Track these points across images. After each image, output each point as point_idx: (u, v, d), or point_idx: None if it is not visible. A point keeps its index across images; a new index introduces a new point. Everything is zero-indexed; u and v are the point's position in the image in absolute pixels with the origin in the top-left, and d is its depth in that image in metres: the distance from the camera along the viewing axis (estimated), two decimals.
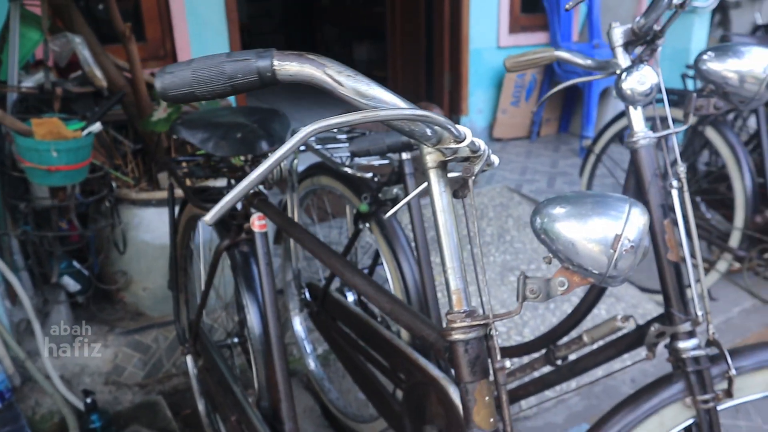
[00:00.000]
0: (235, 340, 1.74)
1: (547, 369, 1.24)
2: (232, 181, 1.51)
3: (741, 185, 2.38)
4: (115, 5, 1.92)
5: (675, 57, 3.69)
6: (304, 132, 0.50)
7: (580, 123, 4.08)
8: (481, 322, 0.70)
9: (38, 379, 1.67)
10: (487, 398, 0.70)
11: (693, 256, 0.97)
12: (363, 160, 1.73)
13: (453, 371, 0.71)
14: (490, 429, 0.69)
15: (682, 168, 1.00)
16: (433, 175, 0.70)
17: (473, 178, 0.70)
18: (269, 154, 1.16)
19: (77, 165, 1.68)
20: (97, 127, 1.68)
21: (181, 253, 1.89)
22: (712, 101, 1.03)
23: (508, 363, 0.70)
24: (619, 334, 1.08)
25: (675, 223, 0.99)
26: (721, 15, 4.85)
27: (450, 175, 0.71)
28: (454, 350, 0.70)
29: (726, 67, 1.03)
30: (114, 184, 1.94)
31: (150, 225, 2.03)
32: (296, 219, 1.84)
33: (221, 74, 0.52)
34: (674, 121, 1.10)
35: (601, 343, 1.13)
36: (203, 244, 1.78)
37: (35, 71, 1.88)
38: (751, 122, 3.09)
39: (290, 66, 0.54)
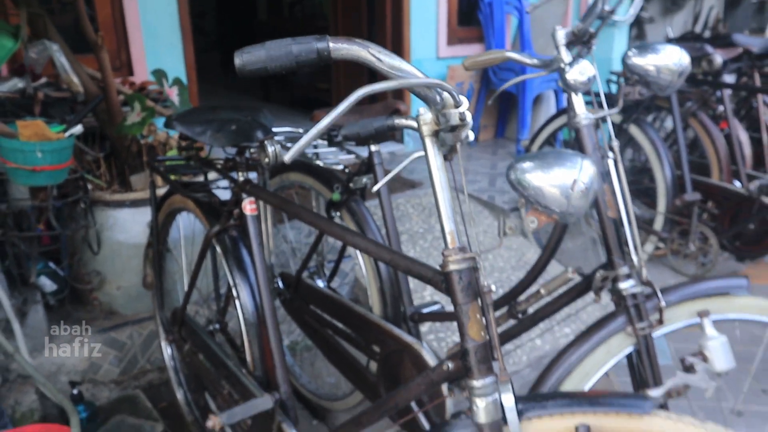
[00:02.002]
0: (216, 326, 1.85)
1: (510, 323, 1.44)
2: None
3: (662, 176, 2.68)
4: (85, 16, 2.02)
5: (600, 65, 3.99)
6: (359, 92, 0.67)
7: (516, 128, 4.37)
8: (470, 256, 0.88)
9: (29, 370, 1.74)
10: (477, 316, 0.87)
11: (628, 214, 1.19)
12: (330, 156, 1.90)
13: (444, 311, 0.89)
14: (480, 340, 0.87)
15: (615, 143, 1.22)
16: (428, 141, 0.88)
17: (460, 143, 0.88)
18: (266, 141, 1.31)
19: (60, 165, 1.77)
20: (78, 129, 1.78)
21: (156, 253, 1.99)
22: (637, 89, 1.25)
23: (493, 287, 0.88)
24: (570, 284, 1.29)
25: (612, 187, 1.20)
26: (637, 29, 5.30)
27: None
28: (449, 280, 0.88)
29: (647, 62, 1.26)
30: (89, 186, 2.02)
31: (124, 225, 2.12)
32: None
33: (289, 53, 0.68)
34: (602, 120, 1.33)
35: (555, 294, 1.33)
36: (183, 237, 1.90)
37: (7, 78, 1.95)
38: (668, 123, 3.44)
39: (342, 47, 0.71)
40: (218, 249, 1.55)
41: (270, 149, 1.29)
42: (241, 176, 1.43)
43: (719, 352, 1.10)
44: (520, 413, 0.85)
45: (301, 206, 1.26)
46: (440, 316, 1.66)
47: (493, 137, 4.67)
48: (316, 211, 2.21)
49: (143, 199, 2.10)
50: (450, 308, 0.88)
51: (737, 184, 2.88)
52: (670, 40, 4.58)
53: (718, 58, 2.67)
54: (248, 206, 1.41)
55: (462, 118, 0.83)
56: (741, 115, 3.50)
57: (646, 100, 2.72)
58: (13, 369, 2.03)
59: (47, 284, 2.05)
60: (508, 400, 0.85)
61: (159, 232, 1.91)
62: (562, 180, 0.85)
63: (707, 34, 4.84)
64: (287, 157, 0.67)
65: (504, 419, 0.85)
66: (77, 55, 2.12)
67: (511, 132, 4.61)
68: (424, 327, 2.47)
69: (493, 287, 0.88)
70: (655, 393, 1.07)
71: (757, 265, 3.02)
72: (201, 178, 1.77)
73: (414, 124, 0.93)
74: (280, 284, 2.05)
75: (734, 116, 3.14)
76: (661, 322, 1.16)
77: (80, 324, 2.19)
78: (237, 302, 1.51)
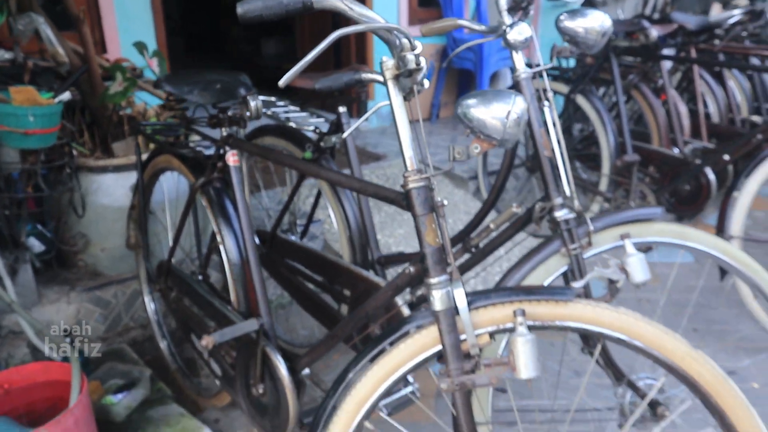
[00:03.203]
0: (200, 277, 2.01)
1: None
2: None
3: (606, 141, 2.92)
4: None
5: (550, 45, 4.26)
6: (336, 33, 0.85)
7: None
8: (426, 176, 1.07)
9: (25, 318, 1.87)
10: (433, 225, 1.06)
11: (561, 153, 1.40)
12: (299, 119, 2.08)
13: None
14: (435, 245, 1.06)
15: (550, 94, 1.42)
16: (391, 84, 1.07)
17: (420, 84, 1.07)
18: (249, 96, 1.48)
19: (50, 129, 1.91)
20: (66, 95, 1.91)
21: (141, 212, 2.14)
22: (569, 48, 1.45)
23: (445, 201, 1.08)
24: (515, 218, 1.49)
25: (548, 130, 1.41)
26: None
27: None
28: (409, 196, 1.07)
29: (576, 24, 1.46)
30: (74, 152, 2.16)
31: (108, 190, 2.26)
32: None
33: (280, 3, 0.85)
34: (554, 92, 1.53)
35: (502, 228, 1.53)
36: (167, 198, 2.05)
37: None
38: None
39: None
40: (203, 201, 1.70)
41: (252, 104, 1.46)
42: (224, 131, 1.59)
43: (637, 267, 1.32)
44: (469, 304, 1.05)
45: (281, 152, 1.43)
46: (404, 258, 1.85)
47: (453, 114, 4.87)
48: (288, 173, 2.39)
49: (126, 164, 2.24)
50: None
51: (675, 150, 3.14)
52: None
53: (654, 32, 2.92)
54: (231, 158, 1.58)
55: (417, 62, 1.02)
56: (682, 88, 3.78)
57: (591, 72, 2.96)
58: (5, 325, 2.16)
59: (36, 245, 2.18)
60: (459, 293, 1.04)
61: (144, 193, 2.06)
62: (499, 112, 1.04)
63: (656, 16, 5.12)
64: (282, 81, 0.85)
65: (456, 310, 1.04)
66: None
67: None
68: None
69: (445, 202, 1.08)
70: (576, 284, 1.28)
71: (696, 224, 3.29)
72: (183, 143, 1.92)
73: (378, 77, 1.12)
74: (257, 240, 2.22)
75: (675, 89, 3.41)
76: (589, 244, 1.37)
77: (66, 284, 2.32)
78: (221, 247, 1.67)
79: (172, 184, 2.09)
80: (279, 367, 1.46)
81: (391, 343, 1.09)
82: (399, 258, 1.87)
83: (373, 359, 1.07)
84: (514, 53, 1.45)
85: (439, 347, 1.05)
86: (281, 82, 0.85)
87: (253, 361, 1.55)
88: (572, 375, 1.69)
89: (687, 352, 1.05)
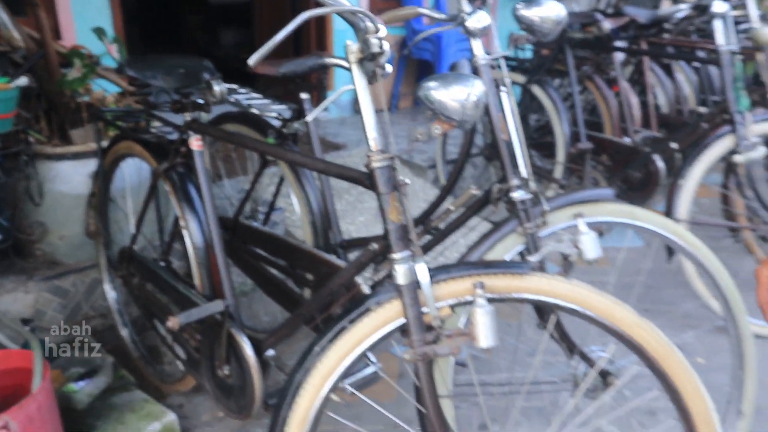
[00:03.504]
0: (162, 264, 2.01)
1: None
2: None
3: (560, 130, 3.01)
4: None
5: (507, 34, 4.35)
6: (304, 15, 0.88)
7: None
8: (389, 156, 1.11)
9: None
10: (395, 203, 1.11)
11: (518, 137, 1.45)
12: (261, 106, 2.09)
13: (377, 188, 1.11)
14: (398, 222, 1.10)
15: (508, 80, 1.48)
16: (355, 67, 1.10)
17: (382, 68, 1.11)
18: (213, 81, 1.49)
19: (5, 115, 1.88)
20: (23, 80, 1.89)
21: (102, 199, 2.12)
22: (525, 36, 1.51)
23: (407, 181, 1.12)
24: (473, 200, 1.55)
25: (505, 115, 1.46)
26: None
27: None
28: (373, 175, 1.11)
29: (532, 13, 1.52)
30: (30, 139, 2.12)
31: (66, 177, 2.23)
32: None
33: None
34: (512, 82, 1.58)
35: (461, 210, 1.59)
36: (129, 184, 2.05)
37: None
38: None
39: None
40: (166, 186, 1.71)
41: (216, 88, 1.47)
42: (187, 116, 1.60)
43: (590, 245, 1.38)
44: (430, 278, 1.09)
45: (245, 136, 1.45)
46: (365, 241, 1.88)
47: (412, 105, 4.93)
48: (250, 162, 2.40)
49: (84, 151, 2.21)
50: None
51: (627, 139, 3.26)
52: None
53: (607, 24, 3.02)
54: (195, 142, 1.59)
55: (381, 46, 1.06)
56: (633, 80, 3.91)
57: (547, 62, 3.04)
58: None
59: None
60: (421, 268, 1.09)
61: (101, 180, 2.05)
62: (459, 95, 1.09)
63: (609, 10, 5.26)
64: (252, 60, 0.88)
65: (418, 284, 1.09)
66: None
67: None
68: None
69: (407, 181, 1.12)
70: (533, 258, 1.35)
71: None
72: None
73: (342, 62, 1.16)
74: None
75: (626, 81, 3.52)
76: (545, 223, 1.43)
77: (24, 274, 2.29)
78: (185, 231, 1.68)
79: (133, 171, 2.08)
80: (244, 347, 1.49)
81: (355, 319, 1.13)
82: (361, 242, 1.91)
83: (338, 333, 1.11)
84: (472, 40, 1.50)
85: (403, 320, 1.09)
86: (251, 61, 0.88)
87: (218, 343, 1.57)
88: (528, 352, 1.76)
89: (635, 321, 1.11)
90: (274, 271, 2.01)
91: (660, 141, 3.09)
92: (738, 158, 2.39)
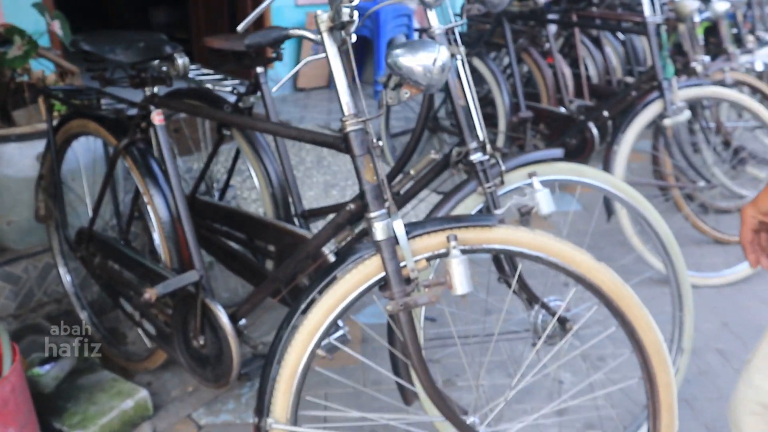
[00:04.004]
0: (122, 243, 2.00)
1: None
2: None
3: (501, 101, 3.13)
4: None
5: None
6: None
7: (371, 72, 4.72)
8: (362, 119, 1.16)
9: None
10: (370, 165, 1.17)
11: (474, 102, 1.54)
12: (214, 82, 2.10)
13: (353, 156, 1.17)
14: (373, 182, 1.16)
15: (462, 48, 1.55)
16: (326, 35, 1.15)
17: (350, 36, 1.16)
18: (176, 54, 1.50)
19: None
20: None
21: (51, 180, 2.09)
22: (475, 6, 1.59)
23: (380, 143, 1.18)
24: (433, 164, 1.62)
25: (461, 81, 1.54)
26: None
27: None
28: (348, 139, 1.16)
29: None
30: None
31: (11, 160, 2.17)
32: None
33: None
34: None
35: (421, 174, 1.66)
36: (83, 162, 2.02)
37: None
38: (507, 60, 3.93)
39: None
40: (127, 163, 1.71)
41: (180, 61, 1.48)
42: (147, 91, 1.60)
43: (544, 200, 1.49)
44: (407, 234, 1.16)
45: (212, 108, 1.47)
46: (327, 210, 1.94)
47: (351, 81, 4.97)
48: (203, 140, 2.40)
49: (29, 132, 2.16)
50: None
51: (562, 109, 3.41)
52: None
53: None
54: (157, 117, 1.60)
55: (351, 14, 1.11)
56: (564, 52, 4.07)
57: (485, 36, 3.14)
58: None
59: None
60: (398, 224, 1.15)
61: (53, 161, 2.01)
62: (426, 60, 1.15)
63: None
64: (241, 26, 0.91)
65: (396, 239, 1.15)
66: None
67: (367, 76, 4.94)
68: None
69: (380, 143, 1.18)
70: (498, 212, 1.44)
71: None
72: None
73: (308, 33, 1.20)
74: None
75: (559, 53, 3.67)
76: (502, 183, 1.53)
77: None
78: (149, 207, 1.69)
79: (83, 150, 2.05)
80: (220, 316, 1.52)
81: (325, 287, 1.18)
82: (323, 211, 1.95)
83: (323, 289, 1.17)
84: (428, 11, 1.56)
85: (382, 274, 1.16)
86: (239, 27, 0.91)
87: (191, 315, 1.60)
88: (485, 310, 1.86)
89: (593, 265, 1.22)
90: (234, 246, 2.03)
91: (593, 109, 3.25)
92: (667, 122, 2.56)
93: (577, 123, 3.22)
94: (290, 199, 1.98)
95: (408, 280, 1.16)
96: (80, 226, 1.99)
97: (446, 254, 1.16)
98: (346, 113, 1.16)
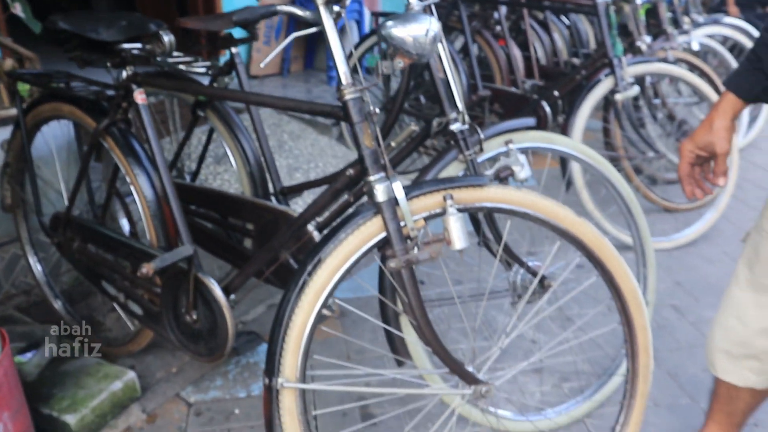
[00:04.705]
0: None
1: None
2: None
3: (459, 82, 3.22)
4: None
5: None
6: None
7: (323, 58, 4.77)
8: (360, 88, 1.22)
9: None
10: (368, 131, 1.22)
11: (453, 74, 1.61)
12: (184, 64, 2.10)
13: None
14: (372, 147, 1.22)
15: (439, 24, 1.62)
16: (323, 8, 1.20)
17: (344, 9, 1.21)
18: (162, 31, 1.51)
19: None
20: None
21: (18, 168, 2.05)
22: None
23: (377, 111, 1.24)
24: (413, 135, 1.69)
25: (440, 55, 1.61)
26: None
27: None
28: (346, 107, 1.21)
29: None
30: None
31: None
32: None
33: None
34: None
35: (402, 145, 1.73)
36: (54, 146, 1.99)
37: None
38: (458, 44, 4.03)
39: None
40: (107, 144, 1.70)
41: (166, 39, 1.49)
42: (128, 70, 1.60)
43: (521, 166, 1.58)
44: (405, 195, 1.22)
45: (198, 83, 1.49)
46: (306, 185, 1.98)
47: (303, 68, 4.98)
48: (172, 123, 2.40)
49: None
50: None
51: (515, 89, 3.54)
52: None
53: None
54: (139, 96, 1.61)
55: None
56: (513, 36, 4.20)
57: (442, 18, 3.22)
58: None
59: None
60: (397, 186, 1.22)
61: (25, 147, 1.97)
62: (417, 31, 1.22)
63: None
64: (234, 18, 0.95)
65: (396, 200, 1.22)
66: None
67: (320, 62, 4.96)
68: None
69: (377, 110, 1.24)
70: (488, 173, 1.53)
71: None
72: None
73: (295, 10, 1.25)
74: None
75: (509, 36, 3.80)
76: (481, 150, 1.61)
77: None
78: (132, 188, 1.69)
79: (52, 135, 2.03)
80: (214, 289, 1.55)
81: (341, 238, 1.24)
82: (302, 186, 1.99)
83: (330, 250, 1.22)
84: None
85: (384, 234, 1.22)
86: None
87: (183, 291, 1.62)
88: (473, 276, 1.95)
89: (575, 220, 1.32)
90: (212, 227, 2.04)
91: (544, 89, 3.39)
92: (618, 96, 2.71)
93: (531, 102, 3.34)
94: (268, 177, 2.01)
95: (408, 239, 1.22)
96: (54, 212, 1.97)
97: (443, 213, 1.23)
98: (344, 82, 1.21)
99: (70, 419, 1.70)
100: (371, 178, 1.21)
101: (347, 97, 1.21)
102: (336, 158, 3.44)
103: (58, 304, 2.18)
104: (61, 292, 2.23)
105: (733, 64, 3.77)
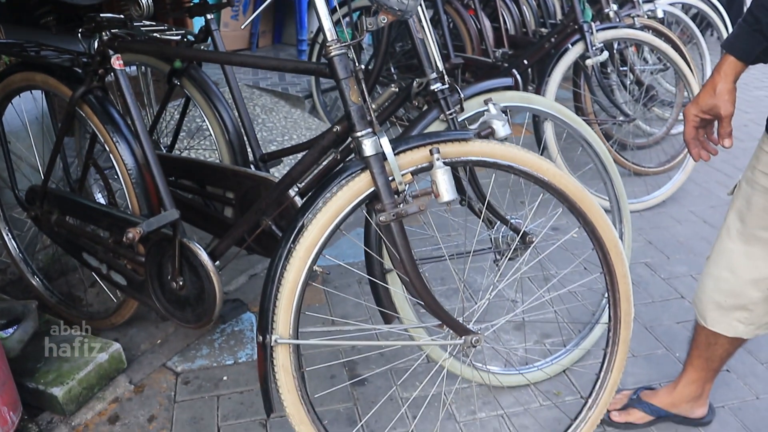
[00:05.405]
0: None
1: None
2: None
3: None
4: None
5: None
6: None
7: (292, 32, 4.72)
8: (346, 44, 1.22)
9: None
10: (354, 87, 1.23)
11: (432, 35, 1.62)
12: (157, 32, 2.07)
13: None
14: (358, 103, 1.23)
15: None
16: None
17: None
18: None
19: None
20: None
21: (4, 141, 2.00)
22: None
23: (361, 66, 1.24)
24: (394, 97, 1.70)
25: (419, 17, 1.62)
26: None
27: None
28: (332, 63, 1.22)
29: None
30: None
31: None
32: None
33: None
34: None
35: (383, 107, 1.74)
36: (26, 119, 1.95)
37: None
38: None
39: None
40: (84, 112, 1.67)
41: (143, 1, 1.47)
42: (105, 35, 1.58)
43: (500, 124, 1.60)
44: (393, 150, 1.24)
45: (178, 46, 1.47)
46: (287, 151, 1.98)
47: (272, 43, 4.93)
48: (146, 96, 2.36)
49: None
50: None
51: (485, 59, 3.56)
52: None
53: None
54: (116, 61, 1.58)
55: None
56: (482, 7, 4.22)
57: None
58: None
59: None
60: (385, 141, 1.23)
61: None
62: None
63: None
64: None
65: (383, 155, 1.23)
66: None
67: (288, 36, 4.91)
68: None
69: (361, 66, 1.25)
70: (472, 127, 1.55)
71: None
72: None
73: None
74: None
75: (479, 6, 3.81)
76: (462, 109, 1.63)
77: None
78: (112, 156, 1.67)
79: (23, 108, 1.99)
80: (200, 253, 1.55)
81: (329, 196, 1.25)
82: (282, 153, 1.99)
83: (320, 207, 1.23)
84: None
85: (372, 189, 1.24)
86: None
87: (167, 257, 1.61)
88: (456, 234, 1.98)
89: (557, 172, 1.35)
90: (191, 197, 2.03)
91: (514, 57, 3.42)
92: (589, 61, 2.75)
93: (502, 70, 3.37)
94: (247, 145, 2.00)
95: (396, 193, 1.24)
96: (29, 185, 1.93)
97: (430, 167, 1.25)
98: (329, 39, 1.21)
99: (57, 392, 1.69)
100: (358, 133, 1.22)
101: (333, 53, 1.21)
102: (310, 131, 3.43)
103: (36, 281, 2.15)
104: (38, 269, 2.19)
105: (696, 32, 3.85)
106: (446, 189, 1.22)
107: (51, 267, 2.31)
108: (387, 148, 1.22)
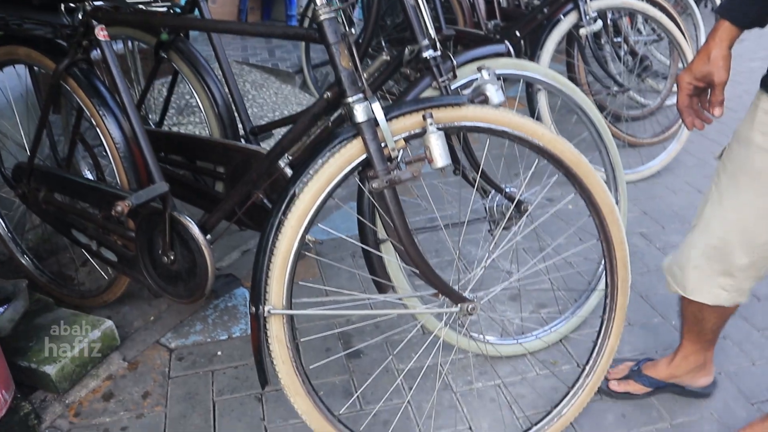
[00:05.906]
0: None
1: None
2: None
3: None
4: None
5: None
6: None
7: (281, 9, 4.65)
8: (334, 8, 1.19)
9: None
10: (345, 51, 1.20)
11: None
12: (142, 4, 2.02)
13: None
14: (349, 68, 1.20)
15: None
16: None
17: None
18: None
19: None
20: None
21: None
22: None
23: (352, 30, 1.21)
24: (385, 66, 1.67)
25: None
26: None
27: None
28: (322, 28, 1.18)
29: None
30: None
31: None
32: None
33: None
34: None
35: (375, 75, 1.70)
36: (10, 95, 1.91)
37: None
38: None
39: None
40: (69, 85, 1.64)
41: None
42: (88, 5, 1.54)
43: (493, 90, 1.57)
44: (385, 116, 1.21)
45: (165, 14, 1.43)
46: (278, 123, 1.95)
47: (261, 18, 4.86)
48: (134, 72, 2.32)
49: None
50: None
51: (477, 31, 3.51)
52: None
53: None
54: (101, 32, 1.54)
55: None
56: None
57: None
58: None
59: None
60: (377, 107, 1.20)
61: None
62: None
63: None
64: None
65: (375, 121, 1.20)
66: None
67: (277, 13, 4.84)
68: None
69: (353, 31, 1.21)
70: (465, 92, 1.52)
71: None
72: None
73: None
74: None
75: None
76: (455, 76, 1.60)
77: None
78: (98, 130, 1.64)
79: (6, 84, 1.95)
80: (190, 226, 1.52)
81: (323, 162, 1.22)
82: (273, 125, 1.96)
83: (311, 175, 1.20)
84: None
85: (364, 156, 1.21)
86: None
87: (158, 232, 1.59)
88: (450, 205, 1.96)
89: (553, 137, 1.33)
90: (181, 173, 2.00)
91: (506, 28, 3.37)
92: (582, 31, 2.72)
93: (495, 41, 3.32)
94: (237, 118, 1.97)
95: (389, 159, 1.21)
96: (15, 162, 1.90)
97: (423, 133, 1.22)
98: (318, 3, 1.18)
99: (50, 370, 1.68)
100: (350, 99, 1.19)
101: (322, 17, 1.18)
102: (300, 106, 3.39)
103: (25, 260, 2.13)
104: (27, 249, 2.17)
105: (691, 2, 3.82)
106: (440, 154, 1.20)
107: (41, 246, 2.28)
108: (379, 113, 1.20)
